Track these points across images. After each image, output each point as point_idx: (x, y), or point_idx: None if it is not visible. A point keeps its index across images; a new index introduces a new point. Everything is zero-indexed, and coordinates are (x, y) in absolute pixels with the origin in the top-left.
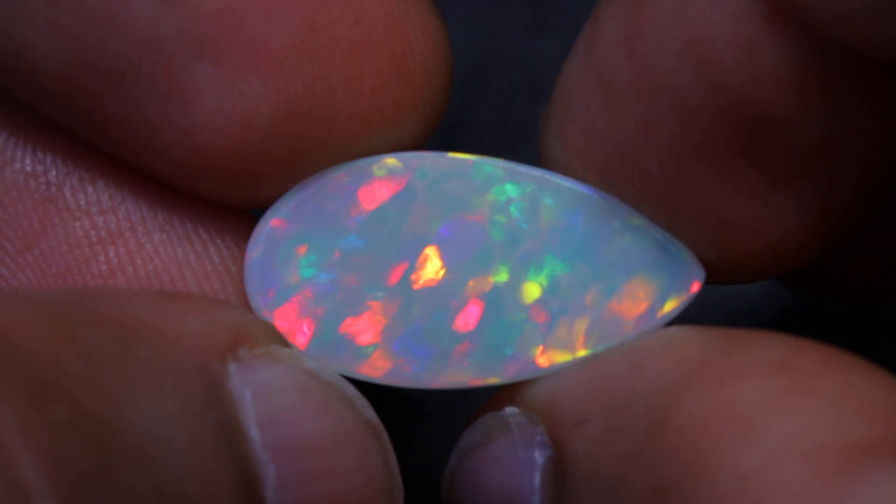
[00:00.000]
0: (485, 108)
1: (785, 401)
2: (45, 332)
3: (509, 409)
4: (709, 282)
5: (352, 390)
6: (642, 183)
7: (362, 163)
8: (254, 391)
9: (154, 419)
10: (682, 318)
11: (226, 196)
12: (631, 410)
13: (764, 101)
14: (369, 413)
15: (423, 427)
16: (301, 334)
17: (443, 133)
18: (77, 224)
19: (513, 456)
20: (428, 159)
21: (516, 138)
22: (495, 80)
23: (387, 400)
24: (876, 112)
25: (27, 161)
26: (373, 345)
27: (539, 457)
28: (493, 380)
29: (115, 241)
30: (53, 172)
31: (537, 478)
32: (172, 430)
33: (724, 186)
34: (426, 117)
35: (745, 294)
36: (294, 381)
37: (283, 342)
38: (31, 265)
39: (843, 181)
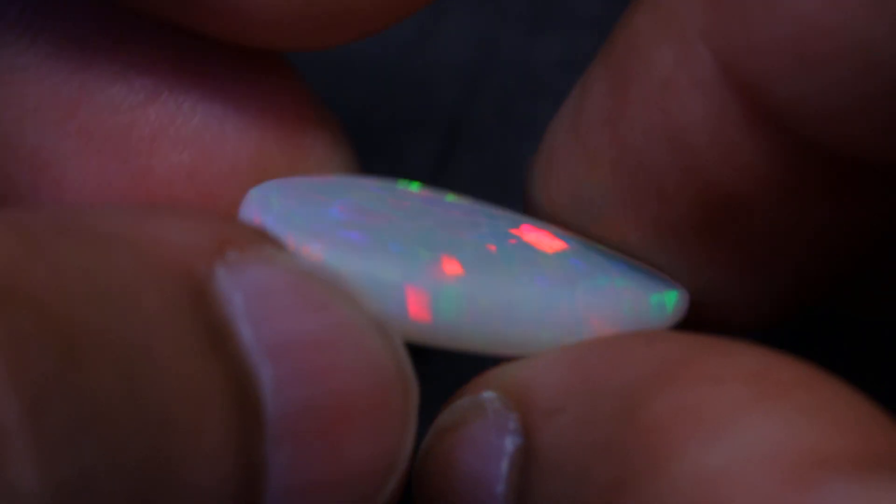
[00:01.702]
0: (484, 107)
1: (755, 407)
2: (13, 241)
3: (487, 394)
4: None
5: (353, 289)
6: (621, 247)
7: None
8: (245, 292)
9: (132, 325)
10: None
11: (298, 45)
12: (604, 403)
13: (740, 194)
14: (371, 308)
15: None
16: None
17: (443, 133)
18: (115, 89)
19: (485, 440)
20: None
21: (516, 138)
22: (495, 80)
23: None
24: (857, 207)
25: (61, 30)
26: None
27: (509, 444)
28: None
29: (154, 103)
30: (85, 43)
31: (504, 465)
32: (153, 336)
33: (699, 264)
34: None
35: None
36: (289, 281)
37: (276, 245)
38: (73, 134)
39: (821, 269)
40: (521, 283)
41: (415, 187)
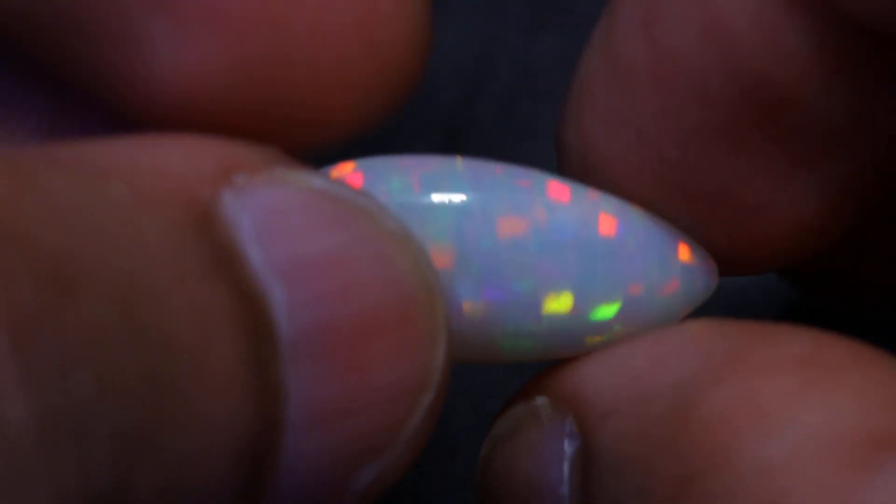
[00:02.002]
0: (485, 107)
1: (808, 394)
2: (2, 176)
3: (539, 400)
4: (720, 274)
5: (372, 202)
6: (660, 169)
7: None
8: (254, 214)
9: (131, 257)
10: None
11: None
12: (657, 402)
13: (784, 83)
14: (392, 222)
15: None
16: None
17: (443, 133)
18: None
19: (543, 446)
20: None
21: (517, 138)
22: (495, 80)
23: None
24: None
25: None
26: None
27: (568, 447)
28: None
29: None
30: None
31: (566, 468)
32: (154, 267)
33: (744, 170)
34: (393, 95)
35: (745, 292)
36: (301, 200)
37: (288, 165)
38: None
39: (863, 162)
40: None
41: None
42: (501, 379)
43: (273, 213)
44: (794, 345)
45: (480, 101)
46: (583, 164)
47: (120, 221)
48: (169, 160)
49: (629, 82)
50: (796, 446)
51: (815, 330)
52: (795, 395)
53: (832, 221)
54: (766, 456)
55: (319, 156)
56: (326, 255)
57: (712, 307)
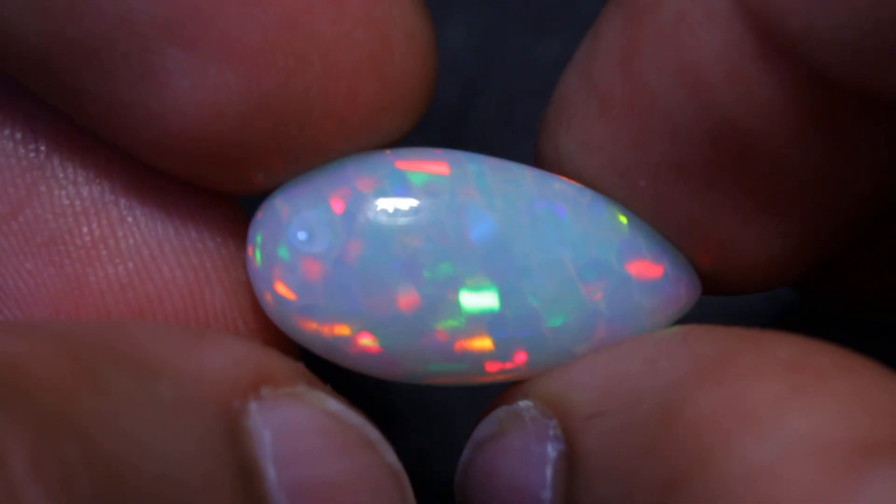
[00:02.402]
0: (486, 108)
1: (796, 399)
2: (64, 366)
3: (523, 403)
4: (704, 292)
5: (375, 434)
6: (631, 194)
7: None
8: (274, 431)
9: (169, 459)
10: (682, 318)
11: (197, 180)
12: (645, 404)
13: (754, 132)
14: (391, 457)
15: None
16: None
17: (444, 133)
18: (63, 193)
19: (526, 449)
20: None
21: (517, 138)
22: (496, 81)
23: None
24: (867, 145)
25: (17, 129)
26: None
27: (552, 451)
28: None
29: (98, 213)
30: (43, 141)
31: (549, 471)
32: (188, 470)
33: (711, 205)
34: (403, 119)
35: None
36: (316, 422)
37: (309, 382)
38: (15, 233)
39: (829, 209)
40: None
41: None
42: None
43: (290, 431)
44: (781, 350)
45: (481, 102)
46: (559, 172)
47: (165, 423)
48: (212, 361)
49: (605, 110)
50: (782, 451)
51: (802, 336)
52: (782, 400)
53: (800, 258)
54: (752, 461)
55: None
56: (332, 480)
57: (709, 309)
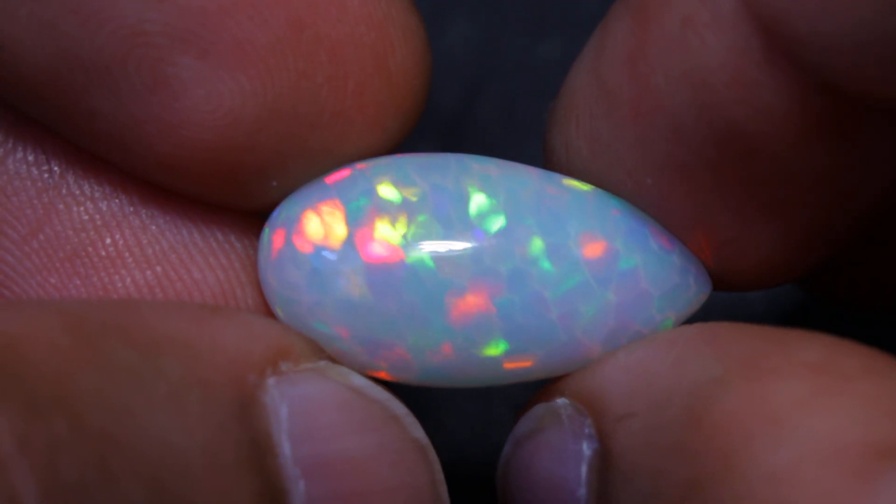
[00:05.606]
0: (486, 108)
1: (819, 401)
2: (65, 343)
3: (561, 400)
4: (714, 288)
5: (401, 408)
6: (637, 191)
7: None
8: (291, 406)
9: (171, 433)
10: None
11: (210, 196)
12: (673, 405)
13: (757, 135)
14: (417, 432)
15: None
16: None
17: (445, 133)
18: (81, 209)
19: (563, 446)
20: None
21: (518, 139)
22: (497, 81)
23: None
24: (870, 150)
25: (30, 151)
26: None
27: (587, 449)
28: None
29: (119, 225)
30: (55, 161)
31: (584, 469)
32: (189, 443)
33: (713, 205)
34: (405, 118)
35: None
36: (338, 397)
37: (330, 358)
38: (36, 251)
39: (832, 212)
40: None
41: None
42: None
43: (309, 406)
44: (807, 351)
45: (482, 102)
46: (567, 169)
47: (168, 398)
48: (223, 341)
49: (612, 107)
50: (804, 454)
51: (828, 336)
52: (806, 402)
53: (799, 260)
54: (774, 463)
55: None
56: (352, 457)
57: (714, 307)
